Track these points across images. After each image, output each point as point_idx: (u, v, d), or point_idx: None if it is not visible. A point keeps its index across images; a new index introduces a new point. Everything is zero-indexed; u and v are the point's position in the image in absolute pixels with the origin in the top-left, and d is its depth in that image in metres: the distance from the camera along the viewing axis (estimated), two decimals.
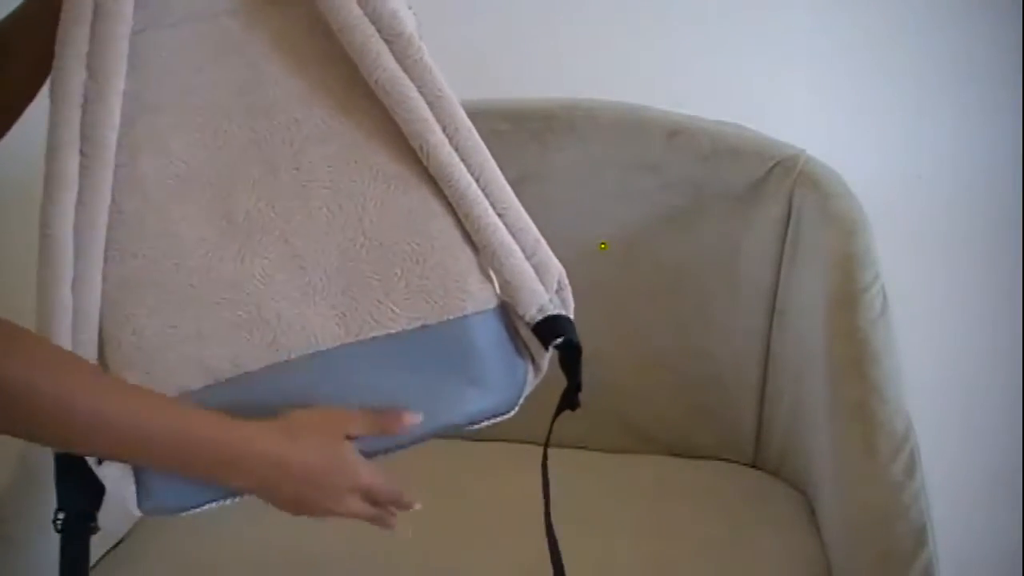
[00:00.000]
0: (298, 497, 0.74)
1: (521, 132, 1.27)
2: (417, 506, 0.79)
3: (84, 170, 0.74)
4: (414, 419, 0.75)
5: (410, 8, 0.81)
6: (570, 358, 0.78)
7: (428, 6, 1.35)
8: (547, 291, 0.78)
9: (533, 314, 0.77)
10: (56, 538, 0.74)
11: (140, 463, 0.73)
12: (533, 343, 0.78)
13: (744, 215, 1.25)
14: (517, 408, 0.80)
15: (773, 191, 1.23)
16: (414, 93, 0.76)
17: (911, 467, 0.99)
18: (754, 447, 1.31)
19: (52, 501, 0.74)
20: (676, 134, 1.24)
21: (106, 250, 0.74)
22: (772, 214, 1.23)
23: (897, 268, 1.15)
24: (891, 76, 1.35)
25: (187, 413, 0.70)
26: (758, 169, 1.23)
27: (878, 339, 1.07)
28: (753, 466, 1.32)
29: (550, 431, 0.79)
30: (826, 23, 1.35)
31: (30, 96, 0.84)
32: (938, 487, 1.00)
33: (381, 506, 0.78)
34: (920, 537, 0.94)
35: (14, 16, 0.82)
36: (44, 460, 0.76)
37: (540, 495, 0.82)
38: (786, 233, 1.24)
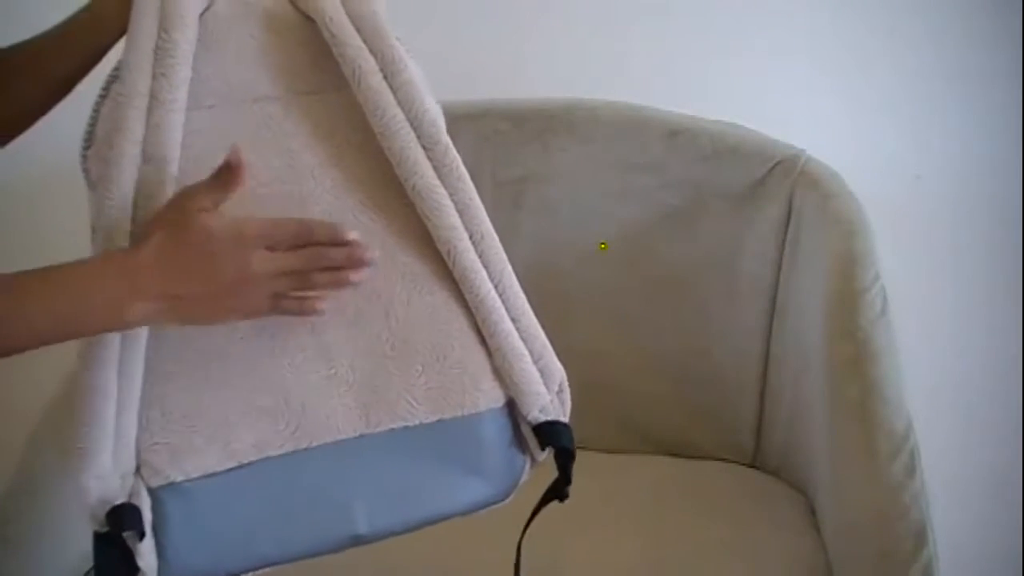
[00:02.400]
0: (209, 291, 0.70)
1: (521, 132, 1.27)
2: (353, 235, 0.72)
3: None
4: (238, 159, 0.71)
5: (436, 103, 0.83)
6: (563, 460, 0.82)
7: (430, 7, 1.36)
8: (549, 392, 0.82)
9: (535, 414, 0.81)
10: (55, 537, 0.74)
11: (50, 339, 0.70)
12: (532, 440, 0.82)
13: (744, 215, 1.25)
14: (511, 498, 0.83)
15: (773, 191, 1.23)
16: (447, 200, 0.78)
17: (911, 467, 0.99)
18: (754, 447, 1.32)
19: (51, 502, 0.74)
20: (676, 134, 1.24)
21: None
22: (772, 214, 1.23)
23: (897, 268, 1.15)
24: (891, 76, 1.36)
25: (46, 279, 0.69)
26: (758, 169, 1.23)
27: (878, 339, 1.07)
28: (753, 466, 1.32)
29: (533, 516, 0.82)
30: (826, 23, 1.35)
31: (36, 117, 0.85)
32: (938, 487, 1.00)
33: (310, 247, 0.72)
34: (920, 537, 0.94)
35: (37, 41, 0.84)
36: (44, 462, 0.76)
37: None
38: (786, 233, 1.24)
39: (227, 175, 0.71)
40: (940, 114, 1.36)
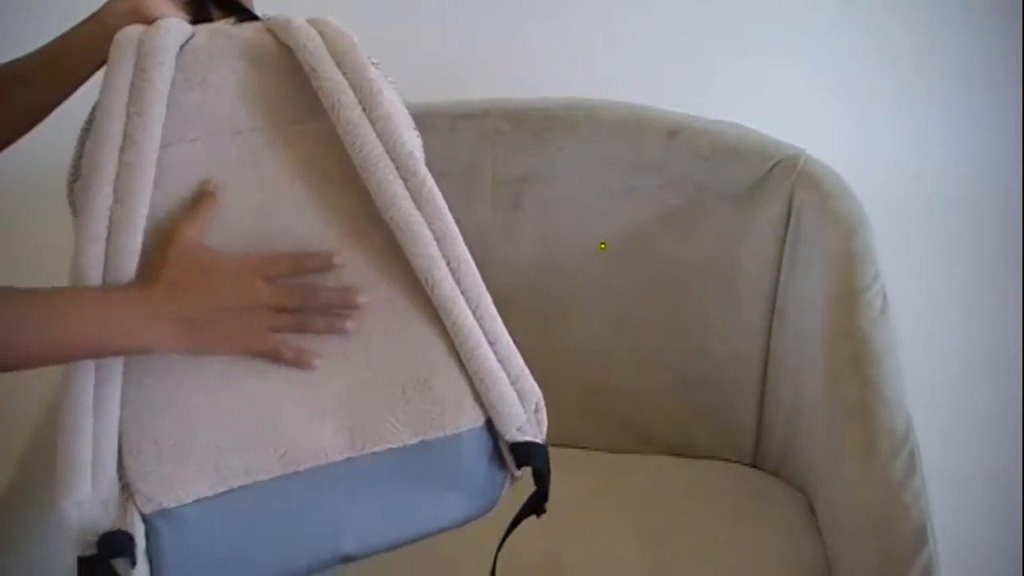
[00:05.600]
0: (215, 312, 0.75)
1: (521, 132, 1.27)
2: (339, 259, 0.79)
3: None
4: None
5: (414, 129, 0.85)
6: (540, 478, 0.84)
7: (430, 7, 1.36)
8: (526, 412, 0.83)
9: (513, 433, 0.83)
10: (55, 537, 0.74)
11: (67, 359, 0.75)
12: (509, 457, 0.84)
13: (744, 215, 1.25)
14: (494, 511, 0.86)
15: (773, 191, 1.23)
16: (425, 230, 0.80)
17: (911, 467, 0.99)
18: (754, 447, 1.32)
19: (51, 503, 0.74)
20: (676, 134, 1.24)
21: (125, 372, 0.77)
22: (772, 214, 1.23)
23: (897, 268, 1.15)
24: (891, 76, 1.35)
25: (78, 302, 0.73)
26: (758, 169, 1.23)
27: (878, 339, 1.07)
28: (753, 466, 1.32)
29: (511, 529, 0.84)
30: (826, 23, 1.35)
31: (32, 124, 0.87)
32: (938, 487, 1.00)
33: (305, 281, 0.78)
34: (920, 537, 0.94)
35: (40, 53, 0.85)
36: (44, 463, 0.77)
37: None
38: (786, 233, 1.24)
39: (203, 200, 0.77)
40: (940, 114, 1.36)
